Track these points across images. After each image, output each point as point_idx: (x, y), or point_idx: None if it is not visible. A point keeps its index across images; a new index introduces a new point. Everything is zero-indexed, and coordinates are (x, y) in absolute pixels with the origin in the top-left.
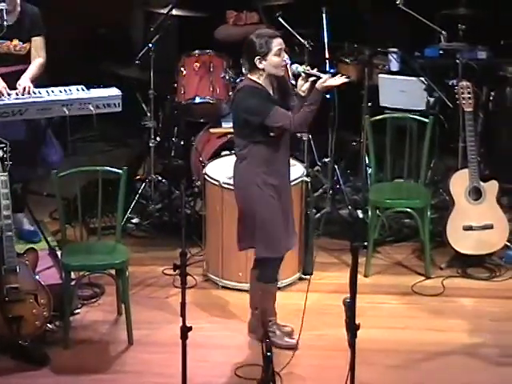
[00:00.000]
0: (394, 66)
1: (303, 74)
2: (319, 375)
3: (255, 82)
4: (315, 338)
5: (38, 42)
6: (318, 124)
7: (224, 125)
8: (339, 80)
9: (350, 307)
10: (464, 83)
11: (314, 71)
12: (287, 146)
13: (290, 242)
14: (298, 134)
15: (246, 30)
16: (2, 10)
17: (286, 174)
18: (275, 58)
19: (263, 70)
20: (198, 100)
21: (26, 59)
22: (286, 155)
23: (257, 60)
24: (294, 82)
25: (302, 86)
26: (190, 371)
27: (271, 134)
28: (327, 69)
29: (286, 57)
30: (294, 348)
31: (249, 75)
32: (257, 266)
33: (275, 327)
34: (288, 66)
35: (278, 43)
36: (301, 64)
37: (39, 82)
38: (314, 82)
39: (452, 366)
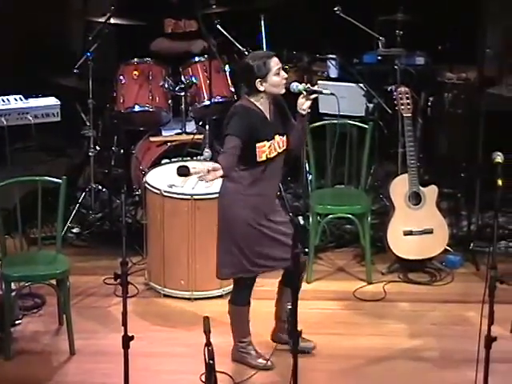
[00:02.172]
0: (333, 72)
1: (304, 92)
2: (262, 381)
3: (252, 103)
4: (258, 344)
5: None
6: None
7: (164, 133)
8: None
9: (292, 314)
10: (402, 89)
11: (316, 88)
12: (278, 171)
13: (267, 264)
14: None
15: (180, 45)
16: None
17: (274, 199)
18: (275, 78)
19: (264, 91)
20: (137, 108)
21: None
22: (276, 180)
23: (257, 83)
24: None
25: (303, 105)
26: (133, 380)
27: (258, 159)
28: None
29: (285, 75)
30: (269, 369)
31: (246, 96)
32: (233, 288)
33: (250, 347)
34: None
35: (275, 63)
36: (300, 83)
37: None
38: (315, 99)
39: (394, 370)
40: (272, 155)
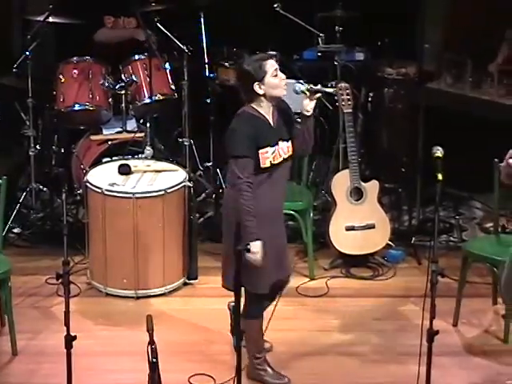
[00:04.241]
0: None
1: (308, 93)
2: (206, 379)
3: (255, 110)
4: (203, 342)
5: None
6: (199, 128)
7: (105, 132)
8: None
9: (235, 311)
10: (343, 85)
11: (319, 87)
12: (284, 178)
13: (280, 274)
14: (180, 139)
15: (124, 32)
16: None
17: (280, 204)
18: (273, 80)
19: (264, 95)
20: (77, 107)
21: None
22: (281, 187)
23: (256, 86)
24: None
25: (307, 106)
26: (77, 380)
27: (261, 165)
28: (207, 73)
29: (283, 76)
30: None
31: (248, 103)
32: (246, 301)
33: (265, 364)
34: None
35: (271, 64)
36: (302, 83)
37: None
38: (319, 99)
39: (337, 365)
40: (277, 161)
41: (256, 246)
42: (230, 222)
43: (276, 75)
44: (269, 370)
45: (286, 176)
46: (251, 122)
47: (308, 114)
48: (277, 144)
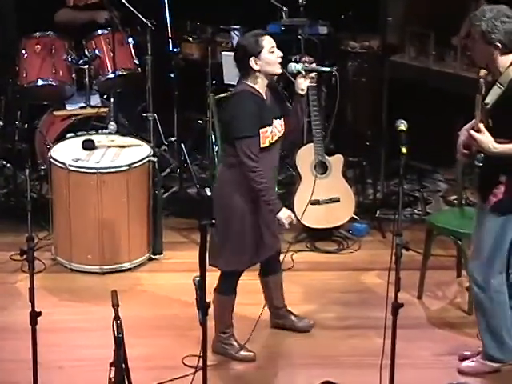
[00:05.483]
0: None
1: (303, 72)
2: (172, 354)
3: (252, 87)
4: (169, 317)
5: None
6: (163, 103)
7: (68, 107)
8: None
9: (200, 286)
10: (307, 58)
11: (314, 66)
12: (277, 157)
13: (261, 253)
14: (144, 114)
15: (85, 14)
16: None
17: (273, 178)
18: (270, 56)
19: (259, 71)
20: (40, 83)
21: None
22: (274, 166)
23: (252, 61)
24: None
25: (301, 84)
26: (42, 356)
27: (262, 145)
28: (171, 48)
29: (280, 53)
30: (251, 360)
31: (244, 81)
32: (220, 277)
33: (232, 339)
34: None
35: (269, 40)
36: (297, 62)
37: None
38: (313, 77)
39: (304, 339)
40: (274, 140)
41: (285, 212)
42: (225, 203)
43: (273, 52)
44: (235, 344)
45: (278, 154)
46: (253, 100)
47: (302, 92)
48: (272, 122)
